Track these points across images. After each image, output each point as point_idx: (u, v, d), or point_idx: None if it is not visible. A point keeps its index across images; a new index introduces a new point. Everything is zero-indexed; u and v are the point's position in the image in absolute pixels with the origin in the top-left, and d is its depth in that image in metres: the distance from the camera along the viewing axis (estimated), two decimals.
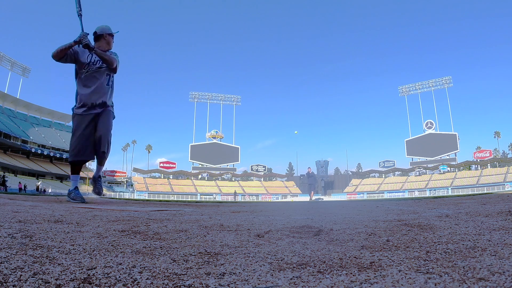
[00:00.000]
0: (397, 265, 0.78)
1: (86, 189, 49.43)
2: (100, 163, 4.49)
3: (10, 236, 1.09)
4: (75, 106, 4.24)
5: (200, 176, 66.14)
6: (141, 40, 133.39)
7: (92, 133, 4.19)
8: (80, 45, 3.95)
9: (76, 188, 4.28)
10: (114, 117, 4.42)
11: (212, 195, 55.49)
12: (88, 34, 4.01)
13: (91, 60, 4.11)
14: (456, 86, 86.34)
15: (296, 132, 29.39)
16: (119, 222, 1.73)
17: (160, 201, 9.69)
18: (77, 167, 4.31)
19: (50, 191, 38.08)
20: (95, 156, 4.27)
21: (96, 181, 4.65)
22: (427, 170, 61.11)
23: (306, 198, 26.73)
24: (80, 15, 4.12)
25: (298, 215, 2.67)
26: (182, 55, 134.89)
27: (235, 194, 48.20)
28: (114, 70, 4.23)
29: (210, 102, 70.24)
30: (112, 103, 4.41)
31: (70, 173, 4.39)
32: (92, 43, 4.17)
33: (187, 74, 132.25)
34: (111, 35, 4.32)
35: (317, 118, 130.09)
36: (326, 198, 26.99)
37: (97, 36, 4.26)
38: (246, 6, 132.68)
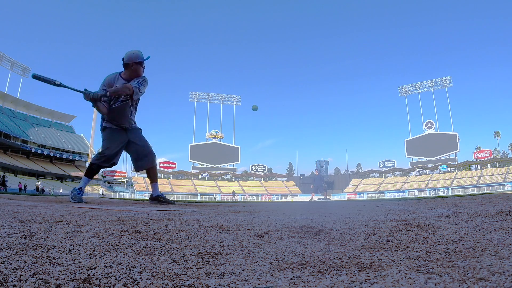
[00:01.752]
0: (397, 265, 0.78)
1: (87, 189, 49.38)
2: (154, 179, 4.69)
3: (10, 236, 1.09)
4: (105, 121, 4.32)
5: (200, 176, 66.11)
6: (141, 40, 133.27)
7: (123, 145, 4.37)
8: (101, 97, 3.93)
9: (81, 189, 4.25)
10: (141, 130, 4.65)
11: (212, 195, 55.47)
12: (86, 90, 3.90)
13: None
14: (456, 86, 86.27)
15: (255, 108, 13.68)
16: (119, 222, 1.73)
17: None
18: (94, 172, 4.36)
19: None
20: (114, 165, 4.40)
21: (161, 200, 4.71)
22: (427, 170, 61.08)
23: (306, 198, 26.76)
24: (59, 85, 3.97)
25: (298, 215, 2.67)
26: (182, 55, 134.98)
27: (233, 194, 48.16)
28: (132, 96, 4.14)
29: (210, 102, 70.22)
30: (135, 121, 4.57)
31: (84, 174, 4.41)
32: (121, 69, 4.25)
33: (187, 74, 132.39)
34: (139, 63, 4.17)
35: (317, 118, 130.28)
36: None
37: (125, 64, 4.18)
38: (246, 6, 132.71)
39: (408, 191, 50.80)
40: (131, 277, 0.68)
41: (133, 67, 4.11)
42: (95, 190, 48.55)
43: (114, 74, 4.22)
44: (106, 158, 4.25)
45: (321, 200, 15.81)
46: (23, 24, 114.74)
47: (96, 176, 4.84)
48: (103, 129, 4.38)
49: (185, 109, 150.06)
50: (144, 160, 4.47)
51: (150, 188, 4.99)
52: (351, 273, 0.71)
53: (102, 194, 38.75)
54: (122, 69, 4.26)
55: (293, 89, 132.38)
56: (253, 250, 1.00)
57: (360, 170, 74.70)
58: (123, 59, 4.13)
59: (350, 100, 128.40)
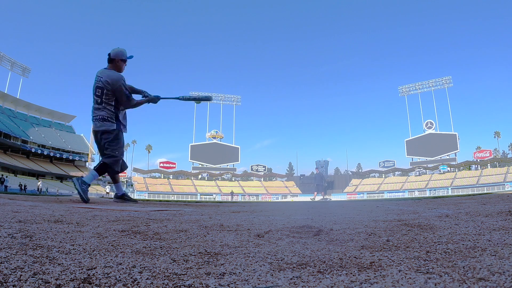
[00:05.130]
0: (397, 265, 0.78)
1: (90, 189, 49.19)
2: (119, 179, 4.93)
3: (10, 236, 1.09)
4: (120, 123, 4.36)
5: (200, 176, 66.10)
6: (141, 40, 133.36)
7: None
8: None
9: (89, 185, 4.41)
10: None
11: (212, 195, 55.46)
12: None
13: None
14: (456, 86, 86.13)
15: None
16: (119, 222, 1.73)
17: (160, 201, 9.67)
18: (104, 172, 4.52)
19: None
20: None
21: (126, 198, 4.89)
22: (427, 170, 61.07)
23: (306, 198, 26.78)
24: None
25: (298, 215, 2.67)
26: (182, 55, 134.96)
27: (232, 194, 48.12)
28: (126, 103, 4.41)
29: (209, 102, 70.20)
30: None
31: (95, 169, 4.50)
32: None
33: (187, 74, 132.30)
34: (123, 60, 4.41)
35: (317, 118, 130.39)
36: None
37: (111, 59, 4.33)
38: (246, 6, 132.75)
39: (408, 191, 50.80)
40: (131, 277, 0.68)
41: (118, 63, 4.34)
42: (94, 190, 48.58)
43: (106, 69, 4.32)
44: (122, 164, 4.52)
45: (322, 200, 15.76)
46: (23, 24, 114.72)
47: None
48: (117, 131, 4.35)
49: (185, 109, 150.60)
50: (124, 163, 4.75)
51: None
52: (351, 273, 0.71)
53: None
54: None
55: (293, 89, 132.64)
56: (253, 250, 1.00)
57: (360, 170, 74.73)
58: (109, 54, 4.32)
59: (350, 100, 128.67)
